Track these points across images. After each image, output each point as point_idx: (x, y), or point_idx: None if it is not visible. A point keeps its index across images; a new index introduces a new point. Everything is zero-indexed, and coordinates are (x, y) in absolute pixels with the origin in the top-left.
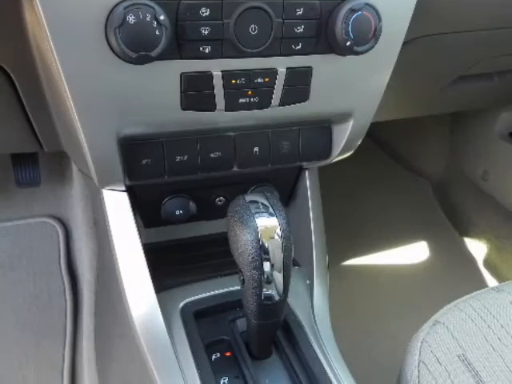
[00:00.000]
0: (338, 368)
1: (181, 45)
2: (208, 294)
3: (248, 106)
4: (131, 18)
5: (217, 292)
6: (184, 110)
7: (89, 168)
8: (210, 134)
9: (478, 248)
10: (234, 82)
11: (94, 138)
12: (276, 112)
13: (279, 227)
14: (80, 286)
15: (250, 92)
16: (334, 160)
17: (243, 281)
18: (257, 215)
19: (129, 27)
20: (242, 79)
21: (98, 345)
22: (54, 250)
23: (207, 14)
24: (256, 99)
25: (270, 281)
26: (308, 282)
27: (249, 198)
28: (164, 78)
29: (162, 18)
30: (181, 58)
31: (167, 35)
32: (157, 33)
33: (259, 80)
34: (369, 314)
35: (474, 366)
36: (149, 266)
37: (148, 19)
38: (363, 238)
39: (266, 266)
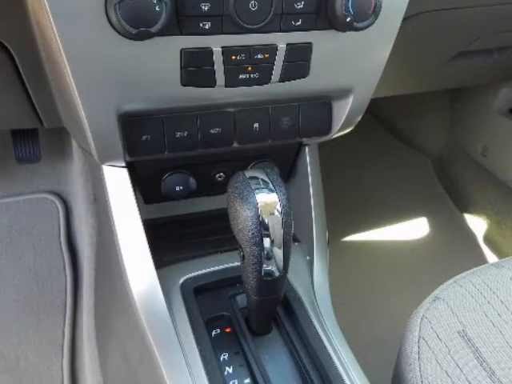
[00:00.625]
0: (337, 344)
1: (181, 21)
2: (208, 270)
3: (248, 82)
4: None
5: (217, 268)
6: (184, 86)
7: (89, 144)
8: (209, 110)
9: (477, 224)
10: (234, 58)
11: (94, 114)
12: (276, 88)
13: (279, 203)
14: (80, 262)
15: (249, 68)
16: (334, 136)
17: (243, 257)
18: (257, 191)
19: (129, 3)
20: (242, 55)
21: (97, 321)
22: (53, 226)
23: None
24: (256, 75)
25: (269, 257)
26: (308, 258)
27: (249, 173)
28: (164, 54)
29: None
30: (181, 34)
31: (167, 11)
32: (157, 8)
33: (259, 56)
34: (369, 290)
35: (474, 342)
36: (149, 242)
37: None
38: (363, 213)
39: (266, 242)
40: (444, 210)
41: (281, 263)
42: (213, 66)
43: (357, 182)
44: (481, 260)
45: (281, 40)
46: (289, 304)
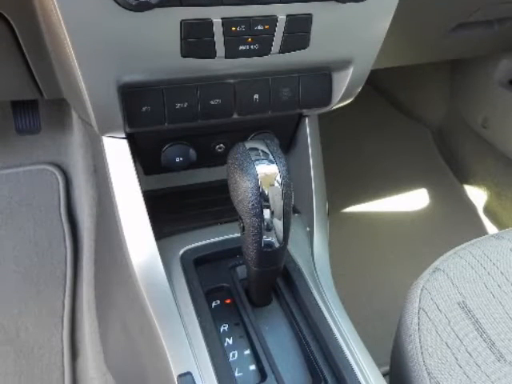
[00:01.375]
0: (337, 315)
1: None
2: (208, 241)
3: (248, 54)
4: None
5: (217, 239)
6: (184, 57)
7: (89, 115)
8: (210, 82)
9: (477, 195)
10: (233, 29)
11: (94, 86)
12: (276, 59)
13: (279, 174)
14: (80, 233)
15: (249, 39)
16: (334, 107)
17: (243, 228)
18: (257, 162)
19: None
20: (242, 26)
21: (97, 292)
22: (54, 197)
23: None
24: (256, 46)
25: (269, 228)
26: (308, 229)
27: (249, 145)
28: (164, 26)
29: None
30: (181, 5)
31: None
32: None
33: (259, 27)
34: (369, 261)
35: (474, 314)
36: (149, 213)
37: None
38: (363, 185)
39: (266, 213)
40: (444, 181)
41: (281, 234)
42: (213, 37)
43: (357, 154)
44: (481, 231)
45: (281, 11)
46: (289, 275)
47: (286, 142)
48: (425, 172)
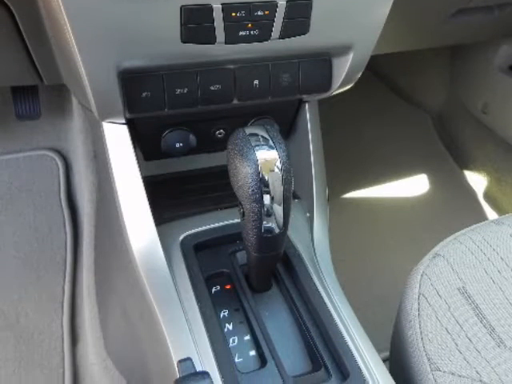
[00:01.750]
0: (337, 300)
1: None
2: (208, 226)
3: (248, 39)
4: None
5: (217, 225)
6: (184, 42)
7: (89, 101)
8: (210, 67)
9: (477, 181)
10: (233, 14)
11: (94, 71)
12: (276, 45)
13: (279, 160)
14: (80, 218)
15: (249, 25)
16: (334, 93)
17: (243, 214)
18: (257, 148)
19: None
20: (242, 12)
21: (97, 277)
22: (53, 183)
23: None
24: (256, 32)
25: (269, 214)
26: (308, 214)
27: (249, 130)
28: (164, 11)
29: None
30: None
31: None
32: None
33: (259, 13)
34: (368, 246)
35: (474, 299)
36: (148, 199)
37: None
38: (363, 170)
39: (266, 198)
40: (444, 166)
41: (281, 220)
42: (213, 22)
43: (357, 139)
44: (481, 217)
45: None
46: (289, 261)
47: (286, 128)
48: (425, 158)
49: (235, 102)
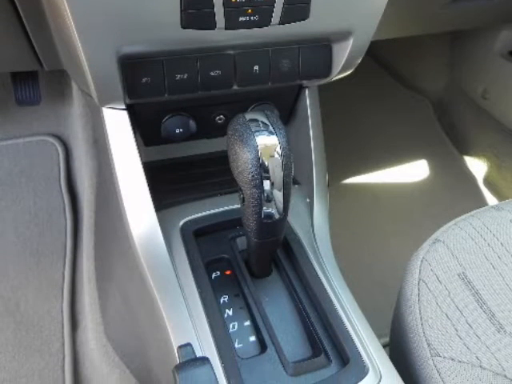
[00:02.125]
0: (337, 286)
1: None
2: (208, 212)
3: (248, 25)
4: None
5: (217, 210)
6: (184, 28)
7: (89, 86)
8: (210, 53)
9: (477, 166)
10: (233, 0)
11: (94, 57)
12: (276, 30)
13: (279, 145)
14: (80, 204)
15: (249, 10)
16: (334, 78)
17: (243, 199)
18: (257, 133)
19: None
20: None
21: (97, 263)
22: (54, 169)
23: None
24: (256, 17)
25: (270, 199)
26: (308, 200)
27: (249, 116)
28: None
29: None
30: None
31: None
32: None
33: None
34: (369, 232)
35: (474, 285)
36: (149, 185)
37: None
38: (363, 156)
39: (266, 184)
40: (444, 152)
41: (281, 205)
42: (213, 8)
43: (357, 125)
44: (481, 202)
45: None
46: (289, 246)
47: (286, 114)
48: (425, 143)
49: (235, 87)
